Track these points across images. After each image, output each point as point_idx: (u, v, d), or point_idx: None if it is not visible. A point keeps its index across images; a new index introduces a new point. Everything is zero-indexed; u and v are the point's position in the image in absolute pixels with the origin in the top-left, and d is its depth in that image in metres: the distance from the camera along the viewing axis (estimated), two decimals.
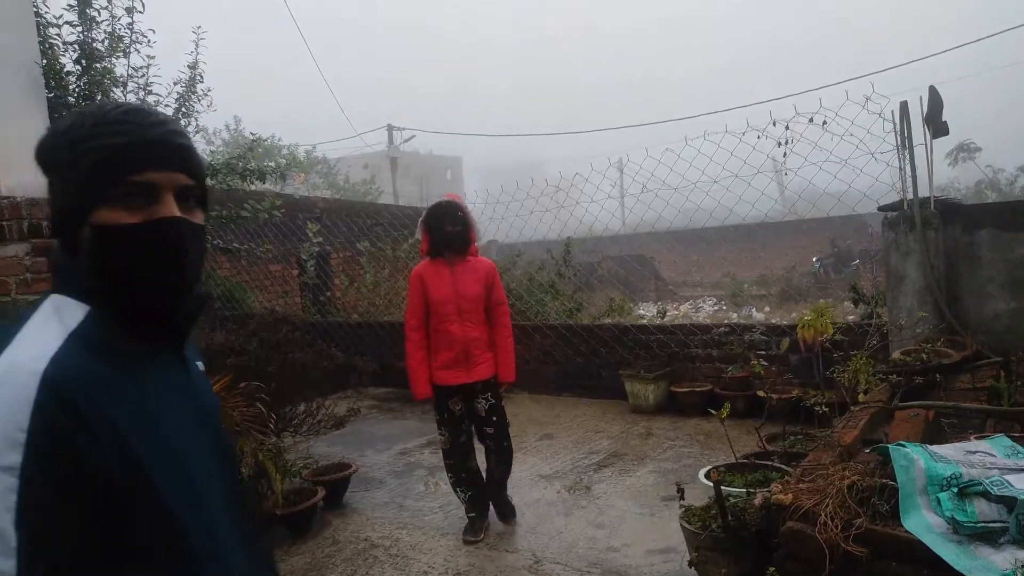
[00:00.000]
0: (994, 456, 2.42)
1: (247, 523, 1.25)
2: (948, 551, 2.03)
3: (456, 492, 4.47)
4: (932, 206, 4.93)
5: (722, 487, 3.14)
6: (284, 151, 26.84)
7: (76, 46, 6.46)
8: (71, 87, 6.40)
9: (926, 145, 4.97)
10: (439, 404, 4.29)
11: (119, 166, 1.02)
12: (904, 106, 5.02)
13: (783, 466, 3.77)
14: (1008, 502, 2.07)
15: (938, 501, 2.19)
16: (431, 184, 39.66)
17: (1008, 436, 2.66)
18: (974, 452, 2.45)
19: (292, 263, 10.70)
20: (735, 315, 14.23)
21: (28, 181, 4.37)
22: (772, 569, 2.41)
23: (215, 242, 7.97)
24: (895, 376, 3.80)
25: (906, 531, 2.14)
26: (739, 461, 4.00)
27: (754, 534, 2.88)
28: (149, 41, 6.80)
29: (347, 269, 11.39)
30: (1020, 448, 2.50)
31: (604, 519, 4.53)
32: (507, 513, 4.52)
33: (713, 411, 3.77)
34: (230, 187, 7.31)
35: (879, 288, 6.55)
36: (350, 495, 5.21)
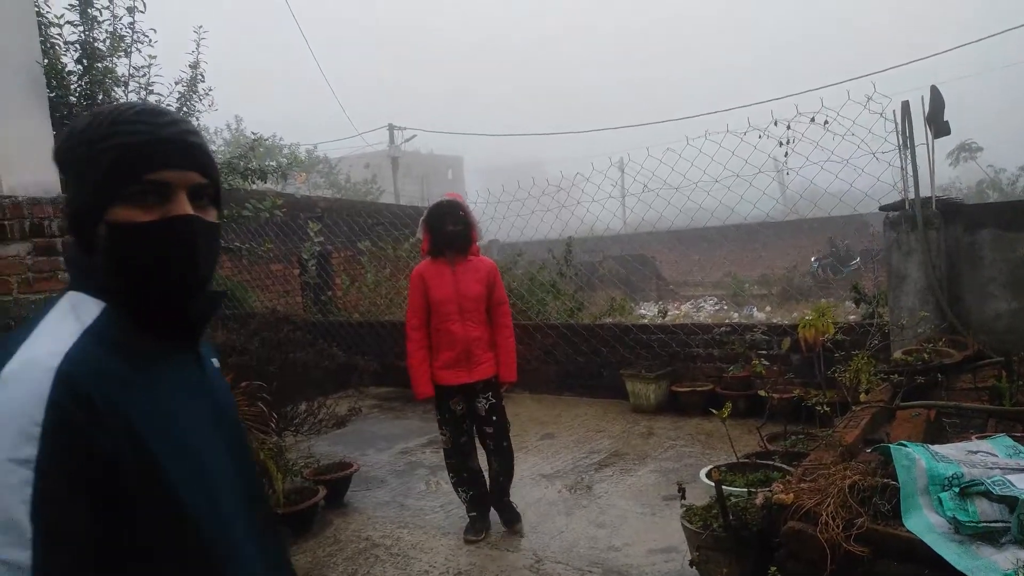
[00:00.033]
0: (996, 456, 2.42)
1: (264, 522, 1.26)
2: (949, 551, 2.02)
3: (457, 492, 4.47)
4: (934, 206, 4.93)
5: (723, 487, 3.14)
6: (285, 150, 26.83)
7: (77, 46, 6.46)
8: (72, 87, 6.40)
9: (928, 145, 4.96)
10: (440, 404, 4.29)
11: (134, 165, 1.04)
12: (906, 106, 5.02)
13: (784, 466, 3.76)
14: (1010, 502, 2.06)
15: (940, 501, 2.18)
16: (432, 184, 39.61)
17: (1010, 436, 2.66)
18: (976, 452, 2.45)
19: (293, 262, 10.70)
20: (736, 315, 14.23)
21: (29, 180, 4.37)
22: (773, 569, 2.41)
23: None
24: (896, 376, 3.80)
25: (907, 531, 2.14)
26: (740, 461, 4.00)
27: (755, 534, 2.88)
28: (150, 41, 6.80)
29: (348, 268, 11.40)
30: (1022, 448, 2.50)
31: (605, 518, 4.53)
32: (512, 519, 4.45)
33: (714, 411, 3.77)
34: (231, 186, 7.31)
35: (880, 288, 6.54)
36: (351, 494, 5.21)
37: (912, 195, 5.00)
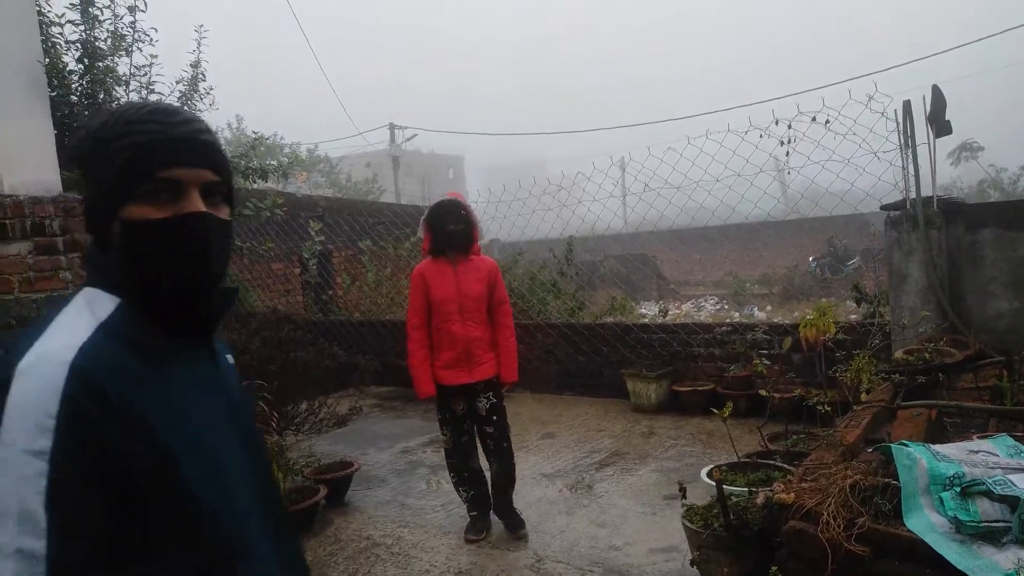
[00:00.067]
0: (997, 455, 2.42)
1: (278, 520, 1.26)
2: (951, 551, 2.02)
3: (458, 491, 4.46)
4: (935, 205, 4.93)
5: (724, 486, 3.14)
6: (286, 150, 26.82)
7: (78, 45, 6.46)
8: (73, 86, 6.40)
9: (929, 144, 4.96)
10: (441, 404, 4.28)
11: (147, 163, 1.06)
12: (907, 105, 5.02)
13: (785, 465, 3.77)
14: (1011, 502, 2.06)
15: (941, 501, 2.18)
16: (433, 183, 39.67)
17: (1011, 435, 2.65)
18: (977, 451, 2.45)
19: (294, 261, 10.70)
20: (737, 314, 14.24)
21: (31, 179, 4.37)
22: (774, 568, 2.41)
23: None
24: (898, 375, 3.79)
25: (908, 530, 2.14)
26: (741, 460, 4.00)
27: (756, 533, 2.88)
28: (151, 40, 6.79)
29: (349, 268, 11.40)
30: (1023, 447, 2.50)
31: (606, 518, 4.53)
32: (516, 525, 4.37)
33: (715, 410, 3.77)
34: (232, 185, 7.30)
35: (881, 287, 6.54)
36: (352, 493, 5.21)
37: (913, 194, 5.00)
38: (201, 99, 7.25)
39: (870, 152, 5.78)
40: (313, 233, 9.85)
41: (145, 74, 6.85)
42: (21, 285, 4.14)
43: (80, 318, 1.04)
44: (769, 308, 15.17)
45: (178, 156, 1.07)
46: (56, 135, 4.94)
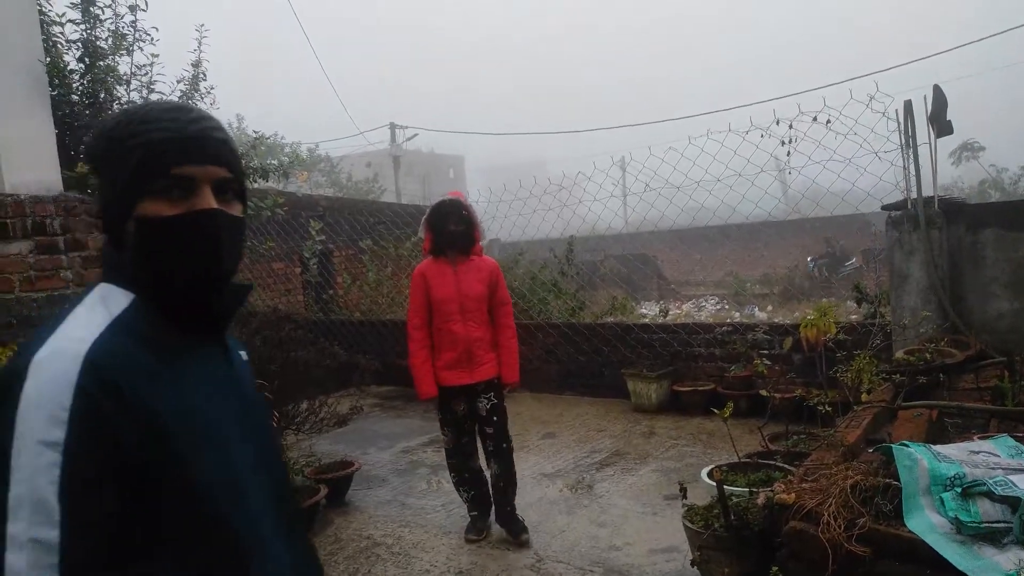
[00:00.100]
0: (998, 456, 2.42)
1: (291, 518, 1.27)
2: (951, 551, 2.02)
3: (459, 491, 4.46)
4: (936, 205, 4.93)
5: (725, 486, 3.13)
6: (287, 149, 26.80)
7: (79, 44, 6.46)
8: (74, 85, 6.40)
9: (930, 144, 4.96)
10: (442, 404, 4.26)
11: (160, 160, 1.07)
12: (908, 105, 5.01)
13: (786, 466, 3.76)
14: (1012, 502, 2.06)
15: (941, 501, 2.18)
16: (433, 183, 39.63)
17: (1012, 436, 2.65)
18: (978, 452, 2.45)
19: (295, 261, 10.70)
20: (738, 314, 14.23)
21: (32, 179, 4.38)
22: (775, 569, 2.41)
23: None
24: (898, 376, 3.79)
25: (909, 531, 2.14)
26: (742, 460, 4.00)
27: (757, 534, 2.88)
28: (152, 39, 6.79)
29: (350, 267, 11.39)
30: None
31: (606, 518, 4.53)
32: (517, 531, 4.28)
33: (716, 410, 3.76)
34: None
35: (882, 287, 6.54)
36: (352, 493, 5.21)
37: (914, 194, 5.00)
38: (202, 98, 7.25)
39: (871, 152, 5.79)
40: (314, 232, 9.85)
41: (146, 73, 6.86)
42: (22, 284, 4.14)
43: (95, 313, 1.05)
44: (770, 308, 15.16)
45: (190, 153, 1.09)
46: (57, 134, 4.94)
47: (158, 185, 1.07)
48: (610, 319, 8.39)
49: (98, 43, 6.53)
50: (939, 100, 4.90)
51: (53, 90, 5.61)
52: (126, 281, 1.10)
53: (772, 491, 2.62)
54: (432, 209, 4.21)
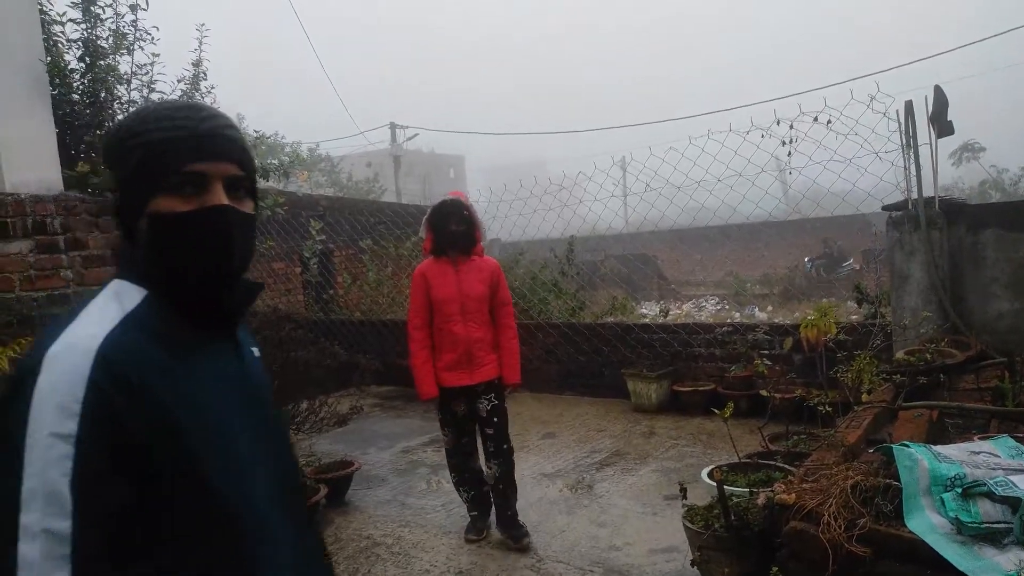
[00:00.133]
0: (998, 457, 2.42)
1: (300, 511, 1.28)
2: (952, 551, 2.02)
3: (459, 491, 4.45)
4: (937, 206, 4.93)
5: (725, 487, 3.13)
6: (287, 149, 26.78)
7: (80, 43, 6.46)
8: (75, 85, 6.40)
9: (931, 144, 4.95)
10: (442, 405, 4.24)
11: (172, 157, 1.09)
12: (909, 105, 5.01)
13: (786, 466, 3.76)
14: (1012, 503, 2.06)
15: (942, 501, 2.18)
16: (434, 182, 39.63)
17: (1012, 437, 2.65)
18: (978, 452, 2.45)
19: (295, 261, 10.69)
20: (738, 314, 14.22)
21: (32, 178, 4.38)
22: (775, 569, 2.41)
23: None
24: (899, 376, 3.79)
25: (910, 531, 2.14)
26: (742, 461, 4.00)
27: (757, 534, 2.88)
28: (153, 38, 6.79)
29: (350, 267, 11.39)
30: None
31: (606, 518, 4.53)
32: (519, 535, 4.21)
33: (716, 410, 3.76)
34: None
35: (883, 288, 6.54)
36: (352, 493, 5.21)
37: (915, 195, 5.00)
38: (202, 98, 7.25)
39: (872, 152, 5.78)
40: (314, 232, 9.85)
41: (147, 73, 6.85)
42: (22, 283, 4.15)
43: (108, 308, 1.07)
44: (770, 308, 15.16)
45: (202, 150, 1.10)
46: (57, 134, 4.94)
47: (170, 182, 1.08)
48: (610, 319, 8.39)
49: (99, 42, 6.52)
50: (940, 100, 4.90)
51: (54, 89, 5.61)
52: (139, 277, 1.12)
53: (772, 491, 2.61)
54: (433, 209, 4.19)
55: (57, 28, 6.34)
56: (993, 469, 2.26)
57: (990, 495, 2.11)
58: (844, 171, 6.16)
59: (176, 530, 1.00)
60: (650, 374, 7.02)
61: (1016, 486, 2.09)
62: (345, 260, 11.57)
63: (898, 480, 2.30)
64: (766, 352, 6.41)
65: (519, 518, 4.31)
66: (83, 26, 6.47)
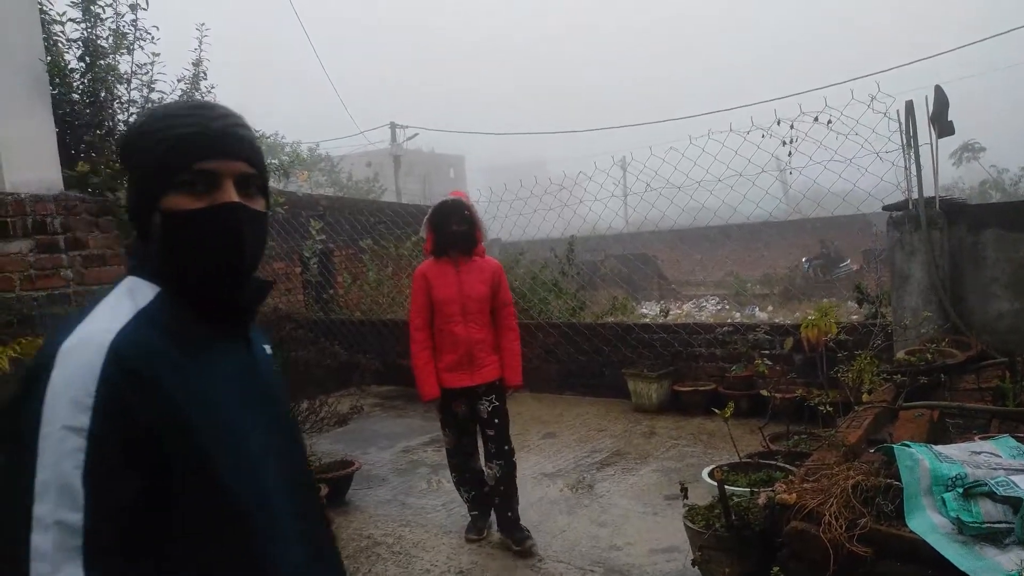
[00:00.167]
0: (999, 456, 2.41)
1: (312, 509, 1.29)
2: (953, 551, 2.02)
3: (459, 491, 4.45)
4: (937, 206, 4.92)
5: (726, 486, 3.13)
6: (287, 148, 26.77)
7: (80, 43, 6.44)
8: (75, 84, 6.39)
9: (931, 144, 4.95)
10: (443, 405, 4.22)
11: (184, 155, 1.10)
12: (910, 105, 5.01)
13: (787, 466, 3.76)
14: (1013, 503, 2.06)
15: (943, 501, 2.18)
16: (434, 182, 39.65)
17: (1013, 437, 2.65)
18: (979, 452, 2.44)
19: (295, 260, 10.69)
20: (738, 314, 14.22)
21: (32, 177, 4.37)
22: (776, 569, 2.41)
23: None
24: (899, 376, 3.79)
25: (911, 531, 2.14)
26: (743, 460, 4.00)
27: (758, 534, 2.88)
28: (153, 38, 6.78)
29: (350, 267, 11.39)
30: None
31: (607, 518, 4.53)
32: (521, 538, 4.15)
33: (716, 410, 3.76)
34: None
35: (883, 288, 6.53)
36: (353, 492, 5.21)
37: (916, 195, 4.99)
38: (202, 98, 7.24)
39: (872, 152, 5.79)
40: (314, 232, 9.84)
41: (147, 72, 6.84)
42: (22, 283, 4.14)
43: (121, 305, 1.08)
44: (770, 308, 15.15)
45: (213, 148, 1.12)
46: (57, 133, 4.94)
47: (182, 179, 1.10)
48: (611, 319, 8.39)
49: (99, 42, 6.51)
50: (940, 100, 4.90)
51: (54, 89, 5.60)
52: (152, 274, 1.14)
53: (773, 491, 2.61)
54: (434, 209, 4.17)
55: (57, 28, 6.33)
56: (994, 469, 2.26)
57: (991, 495, 2.10)
58: (844, 171, 6.17)
59: (187, 526, 1.01)
60: (651, 374, 7.01)
61: (1017, 486, 2.09)
62: (345, 260, 11.57)
63: (899, 480, 2.29)
64: (767, 352, 6.41)
65: (521, 521, 4.26)
66: (83, 26, 6.46)
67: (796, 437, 4.60)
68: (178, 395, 1.02)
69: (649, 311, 11.73)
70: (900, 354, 4.19)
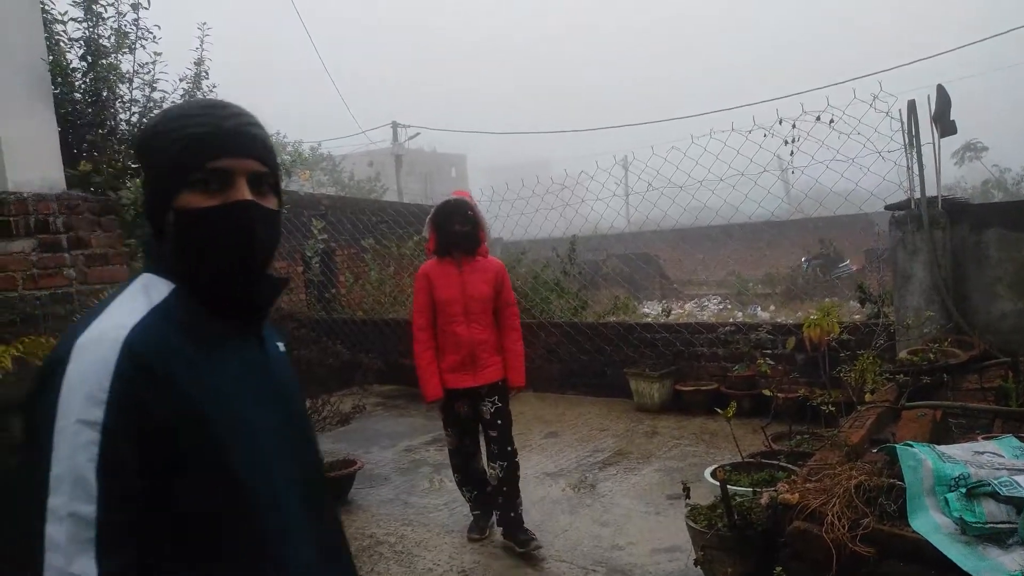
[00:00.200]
0: (1002, 457, 2.41)
1: (324, 507, 1.30)
2: (956, 552, 2.02)
3: (461, 491, 4.45)
4: (940, 205, 4.91)
5: (728, 486, 3.13)
6: (289, 148, 26.77)
7: (82, 42, 6.46)
8: (77, 83, 6.41)
9: (934, 144, 4.94)
10: (445, 406, 4.20)
11: (198, 154, 1.12)
12: (912, 105, 5.00)
13: (789, 465, 3.76)
14: (1017, 503, 2.06)
15: (946, 501, 2.18)
16: (435, 182, 39.68)
17: (1016, 437, 2.64)
18: (982, 452, 2.44)
19: (297, 260, 10.70)
20: (740, 314, 14.20)
21: (35, 176, 4.37)
22: (778, 569, 2.40)
23: None
24: (902, 376, 3.78)
25: (914, 531, 2.13)
26: (745, 460, 4.00)
27: (760, 533, 2.88)
28: (155, 37, 6.80)
29: (352, 266, 11.39)
30: None
31: (609, 517, 4.52)
32: (524, 540, 4.09)
33: (719, 410, 3.76)
34: None
35: (886, 287, 6.53)
36: (355, 492, 5.21)
37: (918, 194, 4.99)
38: (204, 96, 7.24)
39: (874, 152, 5.77)
40: (316, 231, 9.85)
41: (149, 71, 6.86)
42: (25, 282, 4.14)
43: (136, 301, 1.10)
44: (772, 308, 15.14)
45: (226, 147, 1.13)
46: (60, 132, 4.94)
47: (195, 177, 1.11)
48: (612, 318, 8.39)
49: (100, 41, 6.53)
50: (943, 100, 4.89)
51: (56, 88, 5.61)
52: (167, 271, 1.15)
53: (776, 491, 2.61)
54: (437, 209, 4.15)
55: (59, 27, 6.35)
56: (997, 469, 2.26)
57: (994, 495, 2.10)
58: (847, 170, 6.16)
59: (199, 521, 1.03)
60: (653, 373, 7.01)
61: (1021, 486, 2.09)
62: (347, 259, 11.58)
63: (902, 480, 2.29)
64: (769, 352, 6.41)
65: (524, 523, 4.21)
66: (85, 25, 6.48)
67: (798, 437, 4.59)
68: (192, 390, 1.04)
69: (651, 311, 11.71)
70: (903, 354, 4.18)
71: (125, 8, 6.64)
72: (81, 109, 6.35)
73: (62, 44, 6.38)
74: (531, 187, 8.44)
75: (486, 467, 4.34)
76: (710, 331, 7.18)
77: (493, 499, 4.29)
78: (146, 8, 6.67)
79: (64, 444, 0.94)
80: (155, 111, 6.80)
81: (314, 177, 29.03)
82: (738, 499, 3.15)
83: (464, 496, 4.46)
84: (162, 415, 1.00)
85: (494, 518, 4.38)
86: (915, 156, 5.04)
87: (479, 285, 4.12)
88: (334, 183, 30.78)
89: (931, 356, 3.87)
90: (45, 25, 5.49)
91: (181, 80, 7.12)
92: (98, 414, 0.95)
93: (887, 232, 5.29)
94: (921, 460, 2.28)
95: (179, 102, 1.19)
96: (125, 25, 6.67)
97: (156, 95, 6.89)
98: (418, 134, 29.85)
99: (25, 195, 4.20)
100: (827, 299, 9.50)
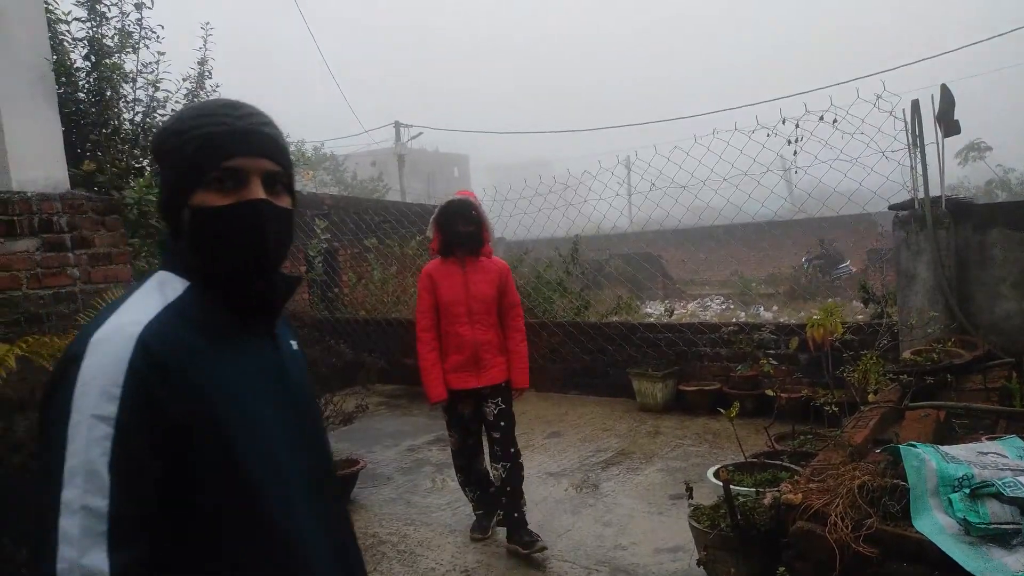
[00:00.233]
0: (1006, 457, 2.41)
1: (334, 507, 1.31)
2: (960, 552, 2.01)
3: (464, 491, 4.45)
4: (943, 205, 4.90)
5: (731, 486, 3.13)
6: (292, 148, 26.77)
7: (85, 42, 6.47)
8: (81, 83, 6.41)
9: (937, 144, 4.93)
10: (448, 407, 4.19)
11: (212, 153, 1.14)
12: (916, 104, 4.99)
13: (793, 466, 3.75)
14: (1021, 503, 2.05)
15: (950, 502, 2.17)
16: (438, 181, 39.71)
17: (1020, 437, 2.64)
18: (986, 453, 2.44)
19: (300, 259, 10.70)
20: (743, 314, 14.19)
21: (39, 176, 4.38)
22: (781, 569, 2.40)
23: None
24: (906, 376, 3.78)
25: (917, 532, 2.13)
26: (748, 460, 3.99)
27: (763, 534, 2.87)
28: (158, 37, 6.80)
29: (355, 266, 11.40)
30: None
31: (612, 517, 4.52)
32: (528, 542, 4.03)
33: (722, 410, 3.76)
34: None
35: (889, 287, 6.52)
36: (358, 491, 5.21)
37: (921, 194, 4.98)
38: (208, 96, 7.25)
39: (878, 151, 5.76)
40: (319, 231, 9.85)
41: (152, 71, 6.86)
42: (29, 281, 4.15)
43: (151, 298, 1.12)
44: (775, 308, 15.12)
45: (240, 146, 1.15)
46: (63, 132, 4.95)
47: (210, 176, 1.13)
48: (615, 318, 8.38)
49: (104, 41, 6.53)
50: (946, 99, 4.88)
51: (59, 88, 5.62)
52: (182, 269, 1.17)
53: (779, 491, 2.61)
54: (441, 209, 4.12)
55: (63, 27, 6.35)
56: (1001, 470, 2.25)
57: (998, 496, 2.10)
58: (850, 170, 6.14)
59: (211, 517, 1.04)
60: (655, 373, 7.01)
61: None
62: (350, 259, 11.59)
63: (905, 480, 2.29)
64: (772, 352, 6.40)
65: (527, 524, 4.18)
66: (88, 25, 6.48)
67: (802, 437, 4.59)
68: (205, 386, 1.06)
69: (654, 310, 11.71)
70: (906, 354, 4.18)
71: (128, 8, 6.65)
72: (85, 109, 6.35)
73: (66, 44, 6.38)
74: (533, 187, 8.44)
75: (489, 467, 4.34)
76: (713, 331, 7.17)
77: (496, 499, 4.28)
78: (149, 8, 6.67)
79: (78, 438, 0.95)
80: (159, 111, 6.81)
81: (317, 177, 29.09)
82: (741, 499, 3.15)
83: (467, 496, 4.45)
84: (175, 410, 1.01)
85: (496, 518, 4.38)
86: (919, 156, 5.03)
87: (483, 286, 4.10)
88: (337, 183, 30.83)
89: (935, 356, 3.87)
90: (49, 25, 5.49)
91: (184, 80, 7.12)
92: (112, 409, 0.97)
93: (890, 232, 5.28)
94: (925, 460, 2.28)
95: (193, 103, 1.20)
96: (129, 25, 6.68)
97: (160, 95, 6.90)
98: (420, 134, 29.91)
99: (29, 194, 4.21)
100: (830, 299, 9.48)
